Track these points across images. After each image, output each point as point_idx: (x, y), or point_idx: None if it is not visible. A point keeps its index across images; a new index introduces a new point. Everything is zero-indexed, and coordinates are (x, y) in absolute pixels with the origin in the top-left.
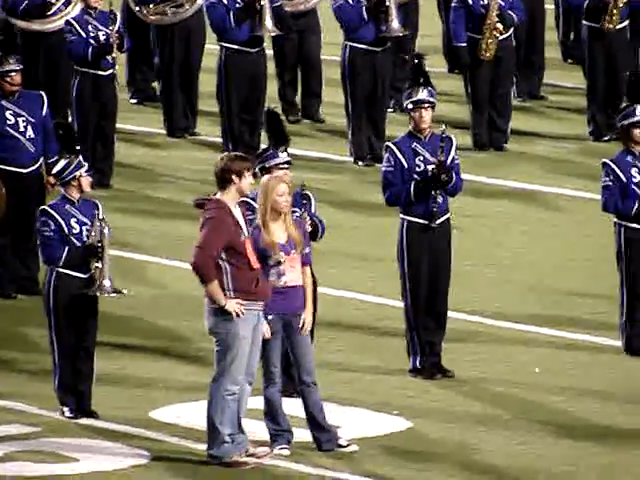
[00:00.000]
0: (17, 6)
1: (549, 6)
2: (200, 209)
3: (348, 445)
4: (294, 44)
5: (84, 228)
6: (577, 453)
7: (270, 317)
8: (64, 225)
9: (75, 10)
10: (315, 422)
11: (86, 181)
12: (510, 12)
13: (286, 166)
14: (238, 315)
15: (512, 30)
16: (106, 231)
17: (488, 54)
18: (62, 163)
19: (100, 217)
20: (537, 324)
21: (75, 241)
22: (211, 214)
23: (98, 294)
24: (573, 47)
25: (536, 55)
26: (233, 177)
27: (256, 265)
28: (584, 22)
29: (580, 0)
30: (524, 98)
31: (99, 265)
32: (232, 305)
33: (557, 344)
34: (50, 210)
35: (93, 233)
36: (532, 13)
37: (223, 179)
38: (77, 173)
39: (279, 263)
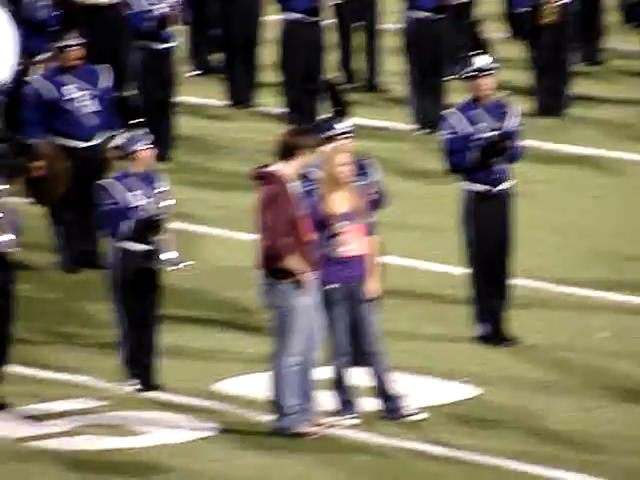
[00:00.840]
0: None
1: None
2: (259, 181)
3: (416, 413)
4: (355, 13)
5: (146, 201)
6: None
7: (334, 287)
8: (126, 198)
9: None
10: (383, 391)
11: (148, 154)
12: None
13: (347, 135)
14: (306, 288)
15: None
16: (168, 203)
17: (550, 19)
18: (123, 136)
19: (162, 190)
20: (603, 289)
21: (137, 214)
22: (273, 190)
23: (161, 267)
24: (633, 10)
25: (597, 19)
26: (300, 151)
27: (312, 237)
28: None
29: None
30: (586, 63)
31: (161, 238)
32: (308, 278)
33: (623, 309)
34: (112, 183)
35: (155, 206)
36: None
37: (288, 152)
38: (138, 146)
39: (338, 233)
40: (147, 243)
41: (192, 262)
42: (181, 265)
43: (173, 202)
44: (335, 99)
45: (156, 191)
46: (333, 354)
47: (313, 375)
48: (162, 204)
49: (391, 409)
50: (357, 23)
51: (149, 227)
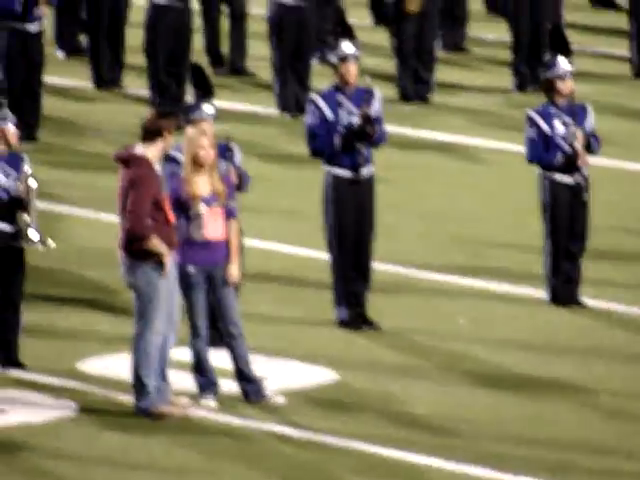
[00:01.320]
0: None
1: None
2: (121, 163)
3: (275, 397)
4: None
5: (10, 180)
6: (500, 403)
7: (193, 270)
8: None
9: None
10: (242, 374)
11: (12, 134)
12: None
13: (210, 119)
14: (166, 269)
15: None
16: (33, 184)
17: (413, 7)
18: None
19: (27, 170)
20: (461, 275)
21: (1, 193)
22: (138, 173)
23: (25, 246)
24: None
25: (459, 7)
26: (162, 133)
27: (172, 218)
28: None
29: None
30: (448, 50)
31: (26, 217)
32: (169, 259)
33: (481, 295)
34: None
35: (20, 186)
36: None
37: (151, 134)
38: (2, 126)
39: (199, 216)
40: (11, 223)
41: (56, 242)
42: (45, 244)
43: (37, 182)
44: (200, 82)
45: (20, 171)
46: (191, 336)
47: (170, 356)
48: (26, 184)
49: (250, 392)
50: (224, 7)
51: (13, 207)
